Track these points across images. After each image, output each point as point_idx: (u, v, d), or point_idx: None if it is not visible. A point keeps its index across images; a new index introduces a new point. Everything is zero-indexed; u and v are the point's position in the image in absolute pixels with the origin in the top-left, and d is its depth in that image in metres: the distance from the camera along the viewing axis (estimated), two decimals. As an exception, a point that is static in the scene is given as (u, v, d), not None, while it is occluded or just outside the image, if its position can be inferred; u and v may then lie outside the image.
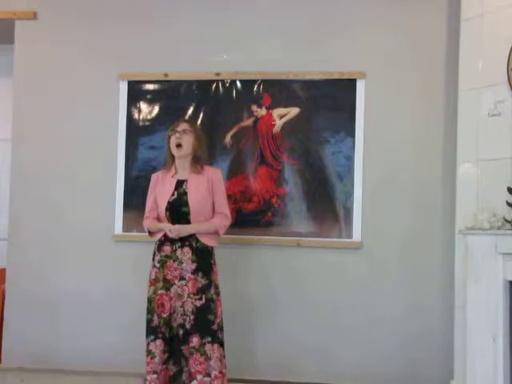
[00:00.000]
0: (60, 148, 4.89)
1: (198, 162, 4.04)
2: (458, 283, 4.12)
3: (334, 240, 4.54)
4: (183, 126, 4.05)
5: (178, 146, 3.99)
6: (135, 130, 4.81)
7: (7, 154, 5.03)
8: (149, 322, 3.92)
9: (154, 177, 4.16)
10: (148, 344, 3.90)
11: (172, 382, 3.88)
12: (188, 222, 3.93)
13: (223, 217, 4.02)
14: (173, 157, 4.06)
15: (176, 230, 3.87)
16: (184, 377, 3.88)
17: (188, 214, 3.92)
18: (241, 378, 4.19)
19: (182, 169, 4.05)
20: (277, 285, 4.59)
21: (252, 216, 4.51)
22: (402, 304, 4.46)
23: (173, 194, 3.98)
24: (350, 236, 4.53)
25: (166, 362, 3.88)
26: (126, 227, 4.78)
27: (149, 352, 3.89)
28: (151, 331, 3.89)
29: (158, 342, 3.86)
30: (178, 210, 3.94)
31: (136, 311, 4.61)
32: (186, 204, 3.93)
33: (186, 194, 3.96)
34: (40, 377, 4.51)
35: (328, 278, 4.55)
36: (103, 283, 4.78)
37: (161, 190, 4.04)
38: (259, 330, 4.57)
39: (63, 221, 4.85)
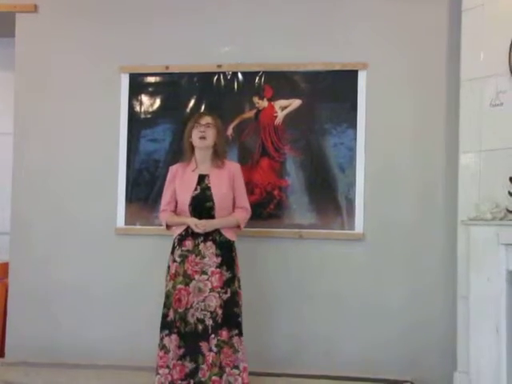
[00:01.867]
0: (61, 141, 4.89)
1: (219, 156, 4.05)
2: (460, 273, 4.11)
3: (337, 232, 4.53)
4: (207, 119, 4.03)
5: (202, 138, 4.00)
6: (137, 123, 4.80)
7: (9, 147, 5.02)
8: (164, 316, 3.91)
9: (172, 169, 4.14)
10: (162, 338, 3.89)
11: (187, 378, 3.84)
12: (211, 216, 3.93)
13: (244, 210, 4.06)
14: (192, 150, 4.05)
15: (203, 226, 3.87)
16: (200, 374, 3.83)
17: (212, 208, 3.93)
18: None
19: (203, 163, 4.04)
20: (278, 277, 4.59)
21: (254, 208, 4.47)
22: (405, 294, 4.46)
23: (195, 189, 3.97)
24: (352, 227, 4.53)
25: (181, 358, 3.85)
26: (129, 220, 4.77)
27: (162, 346, 3.88)
28: (166, 325, 3.88)
29: (173, 336, 3.85)
30: (201, 205, 3.94)
31: (139, 304, 4.64)
32: (210, 199, 3.94)
33: (208, 188, 3.96)
34: (44, 371, 4.50)
35: (330, 270, 4.55)
36: (106, 277, 4.78)
37: (181, 184, 4.03)
38: (261, 323, 4.57)
39: (65, 214, 4.85)
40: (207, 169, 4.03)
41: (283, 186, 4.61)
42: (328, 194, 4.55)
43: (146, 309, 4.52)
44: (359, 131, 4.54)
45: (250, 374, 4.00)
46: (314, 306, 4.56)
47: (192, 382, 3.83)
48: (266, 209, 4.61)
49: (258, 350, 4.44)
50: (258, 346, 4.47)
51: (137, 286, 4.67)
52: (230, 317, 3.86)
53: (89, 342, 4.74)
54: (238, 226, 4.04)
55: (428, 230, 4.45)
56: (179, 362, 3.85)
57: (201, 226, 3.87)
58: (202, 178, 4.01)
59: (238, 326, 3.89)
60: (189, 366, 3.85)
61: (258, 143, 4.65)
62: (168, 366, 3.85)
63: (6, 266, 5.03)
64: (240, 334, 3.89)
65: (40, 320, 4.83)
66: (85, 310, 4.80)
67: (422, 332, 4.42)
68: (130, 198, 4.78)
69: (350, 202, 4.53)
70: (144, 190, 4.74)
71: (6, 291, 4.97)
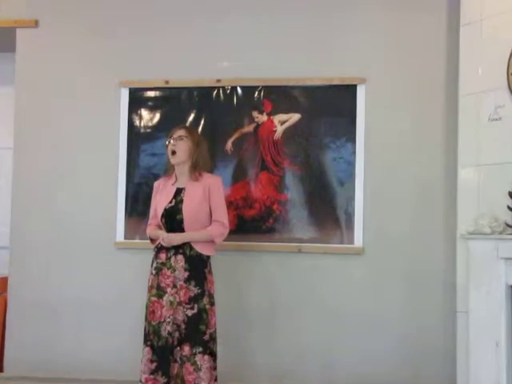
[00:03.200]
0: (61, 156, 4.91)
1: (197, 168, 4.01)
2: (459, 288, 4.11)
3: (336, 246, 4.53)
4: (179, 132, 4.04)
5: (173, 153, 4.00)
6: (136, 137, 4.82)
7: (9, 162, 5.03)
8: (144, 328, 3.93)
9: (155, 184, 4.18)
10: (143, 351, 3.89)
11: None
12: (183, 229, 3.91)
13: (220, 225, 3.98)
14: (173, 164, 4.07)
15: (168, 239, 3.87)
16: None
17: (182, 222, 3.91)
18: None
19: (182, 176, 4.04)
20: (279, 291, 4.58)
21: (253, 222, 4.50)
22: (405, 308, 4.45)
23: (170, 202, 3.97)
24: (351, 241, 4.53)
25: (153, 373, 3.81)
26: (128, 234, 4.78)
27: (143, 357, 3.88)
28: (144, 338, 3.90)
29: (146, 349, 3.85)
30: (173, 218, 3.93)
31: (138, 318, 4.61)
32: (181, 212, 3.92)
33: (182, 201, 3.95)
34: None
35: (330, 284, 4.54)
36: (105, 291, 4.78)
37: (160, 198, 4.04)
38: (261, 337, 4.56)
39: (65, 228, 4.86)
40: (185, 182, 4.02)
41: (282, 200, 4.61)
42: (327, 208, 4.55)
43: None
44: (358, 145, 4.55)
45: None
46: (314, 319, 4.54)
47: None
48: (265, 223, 4.60)
49: (258, 364, 4.44)
50: (259, 360, 4.47)
51: (136, 300, 4.64)
52: (194, 333, 3.81)
53: (89, 356, 4.74)
54: (212, 241, 3.98)
55: (427, 243, 4.45)
56: (151, 376, 3.82)
57: (166, 240, 3.87)
58: (179, 192, 4.00)
59: (203, 343, 3.81)
60: (161, 380, 3.81)
61: (257, 157, 4.66)
62: (140, 381, 3.83)
63: (5, 280, 5.03)
64: (205, 353, 3.80)
65: (39, 334, 4.82)
66: (84, 323, 4.79)
67: (422, 346, 4.41)
68: (129, 212, 4.79)
69: (350, 216, 4.53)
70: (143, 204, 4.73)
71: (6, 305, 4.96)
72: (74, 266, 4.83)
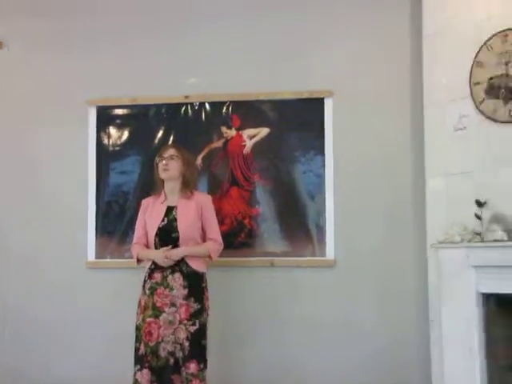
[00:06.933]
0: (30, 176, 4.87)
1: (188, 187, 4.04)
2: (431, 296, 4.13)
3: (308, 259, 4.54)
4: (170, 151, 4.05)
5: (165, 170, 4.00)
6: (105, 156, 4.80)
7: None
8: (136, 350, 3.87)
9: (143, 203, 4.16)
10: (135, 374, 3.84)
11: None
12: (177, 247, 3.92)
13: (215, 242, 4.04)
14: (162, 182, 4.06)
15: (168, 257, 3.85)
16: None
17: (178, 239, 3.91)
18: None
19: (172, 194, 4.04)
20: (252, 305, 4.56)
21: (225, 238, 4.47)
22: (378, 318, 4.46)
23: (163, 220, 3.97)
24: (323, 254, 4.53)
25: None
26: (99, 254, 4.74)
27: (135, 381, 3.82)
28: (138, 360, 3.84)
29: (145, 371, 3.80)
30: (168, 236, 3.93)
31: (112, 338, 4.59)
32: (176, 230, 3.92)
33: (175, 219, 3.95)
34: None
35: (303, 296, 4.54)
36: (78, 310, 4.73)
37: (150, 216, 4.03)
38: (234, 353, 4.54)
39: (36, 249, 4.80)
40: (176, 200, 4.03)
41: (253, 214, 4.61)
42: (299, 222, 4.56)
43: (118, 342, 4.45)
44: (327, 158, 4.57)
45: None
46: (288, 332, 4.53)
47: None
48: (237, 238, 4.60)
49: (232, 379, 4.42)
50: (232, 375, 4.46)
51: (109, 320, 4.62)
52: (198, 349, 3.83)
53: (62, 378, 4.66)
54: (210, 257, 4.01)
55: (399, 254, 4.47)
56: None
57: (167, 260, 3.85)
58: (170, 210, 4.00)
59: (205, 359, 3.85)
60: None
61: (227, 173, 4.66)
62: None
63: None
64: (206, 367, 3.85)
65: (11, 355, 4.75)
66: (56, 344, 4.74)
67: (397, 355, 4.41)
68: (100, 231, 4.75)
69: (321, 229, 4.54)
70: (114, 222, 4.72)
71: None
72: (46, 286, 4.78)
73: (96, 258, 4.74)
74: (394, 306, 4.45)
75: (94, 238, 4.75)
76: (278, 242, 4.57)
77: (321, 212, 4.55)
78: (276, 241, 4.57)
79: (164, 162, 4.00)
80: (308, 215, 4.55)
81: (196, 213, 3.99)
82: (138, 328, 3.89)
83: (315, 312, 4.51)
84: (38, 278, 4.80)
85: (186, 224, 3.94)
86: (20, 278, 4.82)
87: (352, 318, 4.48)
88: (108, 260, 4.71)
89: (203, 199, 4.08)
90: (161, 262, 3.87)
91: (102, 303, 4.66)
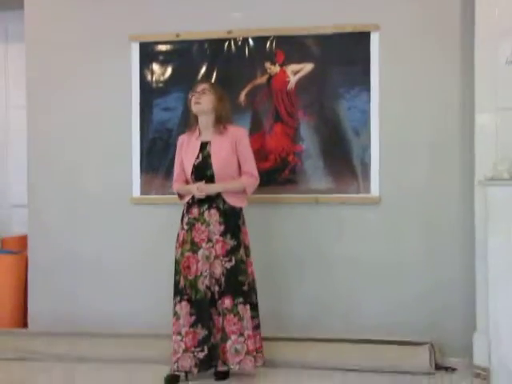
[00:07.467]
0: (74, 113, 4.89)
1: (221, 121, 4.02)
2: (478, 234, 4.08)
3: (353, 196, 4.51)
4: (202, 86, 4.05)
5: (197, 103, 3.99)
6: (149, 92, 4.78)
7: (24, 121, 5.02)
8: (176, 283, 3.95)
9: (179, 140, 4.17)
10: (175, 305, 3.94)
11: (201, 345, 3.87)
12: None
13: (250, 176, 4.01)
14: (196, 118, 4.05)
15: (202, 189, 3.86)
16: (212, 339, 3.89)
17: (213, 176, 3.92)
18: (265, 337, 4.21)
19: (206, 129, 4.03)
20: (296, 243, 4.58)
21: (269, 175, 4.48)
22: (423, 257, 4.44)
23: (197, 157, 3.98)
24: (368, 191, 4.50)
25: (193, 325, 3.87)
26: (144, 190, 4.78)
27: (174, 313, 3.93)
28: (177, 292, 3.93)
29: (184, 303, 3.89)
30: (203, 173, 3.94)
31: (155, 273, 4.67)
32: (211, 167, 3.93)
33: (209, 156, 3.95)
34: (66, 340, 4.56)
35: (347, 234, 4.53)
36: (122, 246, 4.82)
37: (186, 153, 4.05)
38: (280, 289, 4.58)
39: (80, 186, 4.88)
40: (210, 136, 4.02)
41: (298, 151, 4.58)
42: (343, 159, 4.52)
43: (161, 276, 4.52)
44: (373, 94, 4.48)
45: (270, 339, 4.02)
46: (332, 270, 4.55)
47: (206, 348, 3.87)
48: (281, 175, 4.58)
49: (277, 315, 4.48)
50: (277, 311, 4.51)
51: (153, 255, 4.69)
52: (234, 285, 3.87)
53: (107, 311, 4.79)
54: (245, 191, 4.01)
55: (445, 191, 4.41)
56: (191, 329, 3.87)
57: (201, 189, 3.86)
58: (204, 146, 4.00)
59: (243, 294, 3.88)
60: (201, 332, 3.88)
61: (270, 109, 4.61)
62: (180, 333, 3.88)
63: (25, 238, 5.07)
64: (245, 303, 3.88)
65: (61, 290, 4.89)
66: (102, 279, 4.85)
67: (441, 294, 4.40)
68: (144, 168, 4.78)
69: (365, 166, 4.49)
70: (158, 159, 4.74)
71: (26, 263, 5.02)
72: (90, 222, 4.87)
73: (141, 194, 4.78)
74: (439, 243, 4.42)
75: (139, 174, 4.78)
76: (322, 178, 4.54)
77: (366, 148, 4.49)
78: (320, 177, 4.55)
79: (197, 95, 3.99)
80: (352, 152, 4.50)
81: (230, 148, 3.97)
82: (177, 261, 3.96)
83: (359, 249, 4.51)
84: (84, 215, 4.89)
85: (220, 161, 3.94)
86: (65, 215, 4.92)
87: (397, 256, 4.47)
88: (152, 196, 4.75)
89: (238, 133, 4.04)
90: (195, 191, 3.89)
91: (147, 238, 4.74)
